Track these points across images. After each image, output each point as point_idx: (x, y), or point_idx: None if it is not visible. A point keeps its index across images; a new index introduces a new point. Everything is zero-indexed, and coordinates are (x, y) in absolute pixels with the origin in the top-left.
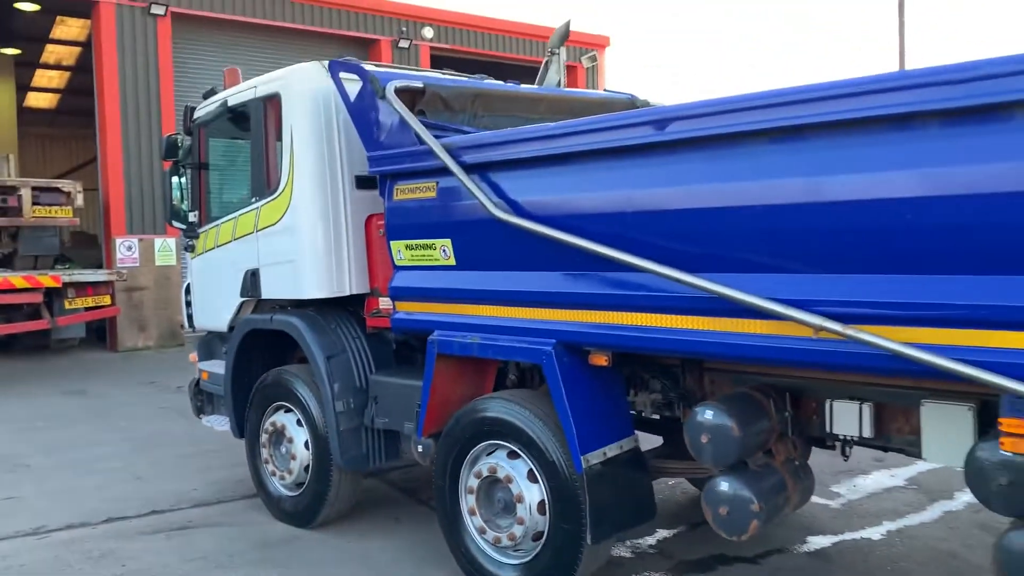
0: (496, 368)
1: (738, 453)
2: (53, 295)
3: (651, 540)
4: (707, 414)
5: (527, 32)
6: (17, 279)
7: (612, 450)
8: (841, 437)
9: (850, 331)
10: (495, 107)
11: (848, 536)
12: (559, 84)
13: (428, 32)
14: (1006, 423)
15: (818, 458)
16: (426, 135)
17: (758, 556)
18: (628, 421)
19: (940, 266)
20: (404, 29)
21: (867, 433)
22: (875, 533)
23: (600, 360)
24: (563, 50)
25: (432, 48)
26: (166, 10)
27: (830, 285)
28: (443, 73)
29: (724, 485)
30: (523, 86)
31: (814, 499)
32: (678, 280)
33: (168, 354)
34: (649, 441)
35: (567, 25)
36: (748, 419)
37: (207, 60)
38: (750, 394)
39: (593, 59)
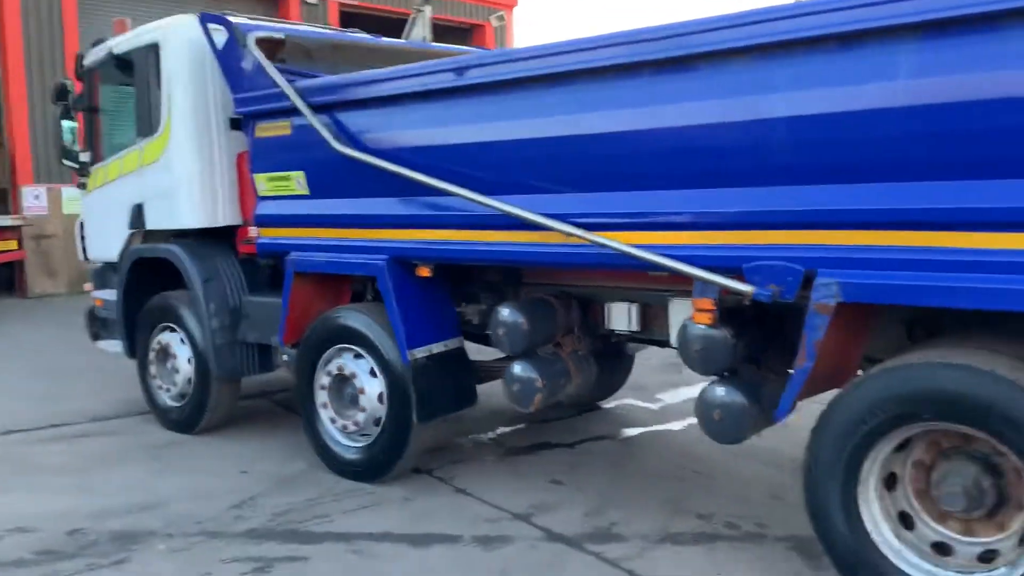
0: (350, 284)
1: (527, 343)
2: None
3: (491, 434)
4: (503, 312)
5: None
6: None
7: (437, 348)
8: (617, 332)
9: (590, 236)
10: (354, 58)
11: (655, 428)
12: (424, 39)
13: None
14: (696, 302)
15: (655, 377)
16: (279, 79)
17: (575, 443)
18: (454, 325)
19: (648, 183)
20: None
21: (635, 327)
22: (677, 426)
23: (424, 271)
24: (428, 8)
25: (343, 5)
26: None
27: (580, 201)
28: (313, 27)
29: (516, 368)
30: (384, 40)
31: (637, 403)
32: (475, 201)
33: (79, 299)
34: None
35: None
36: (537, 317)
37: (112, 9)
38: (544, 298)
39: (501, 19)
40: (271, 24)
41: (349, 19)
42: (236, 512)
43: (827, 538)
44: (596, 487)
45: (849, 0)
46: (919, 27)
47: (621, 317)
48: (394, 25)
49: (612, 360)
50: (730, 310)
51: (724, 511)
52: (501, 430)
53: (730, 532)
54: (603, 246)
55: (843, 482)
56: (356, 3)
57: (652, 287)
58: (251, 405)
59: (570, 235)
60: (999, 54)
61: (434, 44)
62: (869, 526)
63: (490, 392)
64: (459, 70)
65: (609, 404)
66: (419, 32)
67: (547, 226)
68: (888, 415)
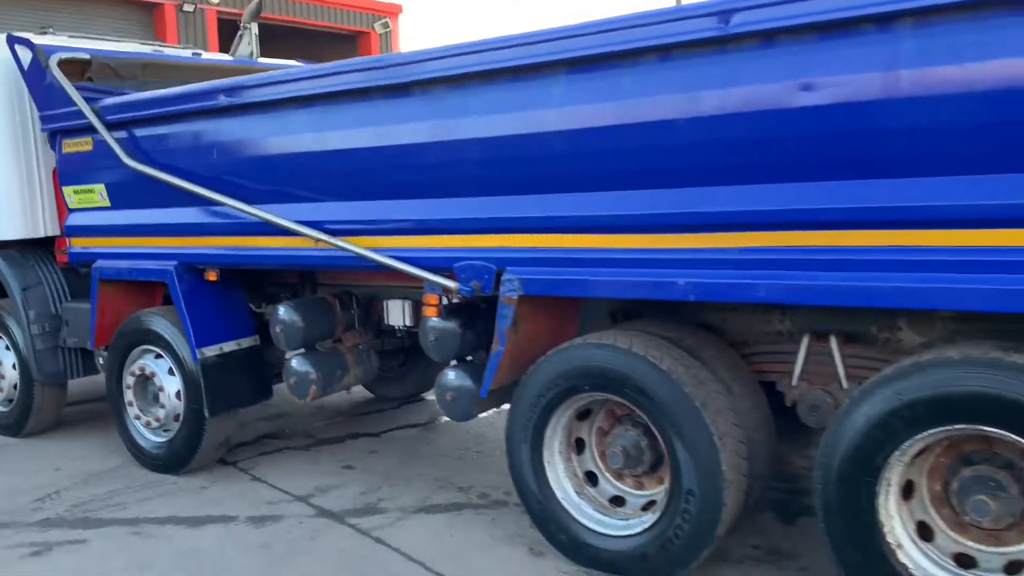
0: (161, 289)
1: (302, 340)
2: None
3: (307, 427)
4: (280, 311)
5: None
6: None
7: (229, 346)
8: (395, 327)
9: (333, 240)
10: (165, 76)
11: None
12: (251, 56)
13: None
14: (425, 298)
15: None
16: (76, 97)
17: (382, 432)
18: (248, 324)
19: (378, 194)
20: None
21: (409, 323)
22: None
23: (211, 275)
24: (254, 25)
25: (220, 13)
26: None
27: (328, 209)
28: (133, 45)
29: (292, 362)
30: (196, 57)
31: None
32: (240, 210)
33: None
34: None
35: (259, 3)
36: (312, 315)
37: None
38: (323, 298)
39: (386, 26)
40: (80, 46)
41: (227, 27)
42: (37, 505)
43: (523, 495)
44: (382, 469)
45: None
46: (567, 62)
47: (396, 313)
48: (272, 32)
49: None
50: (459, 305)
51: (482, 484)
52: (316, 424)
53: (479, 501)
54: (344, 249)
55: (531, 446)
56: (234, 12)
57: (419, 286)
58: (88, 408)
59: (317, 240)
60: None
61: (258, 60)
62: (554, 484)
63: None
64: (216, 92)
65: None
66: (245, 48)
67: (299, 232)
68: (559, 388)
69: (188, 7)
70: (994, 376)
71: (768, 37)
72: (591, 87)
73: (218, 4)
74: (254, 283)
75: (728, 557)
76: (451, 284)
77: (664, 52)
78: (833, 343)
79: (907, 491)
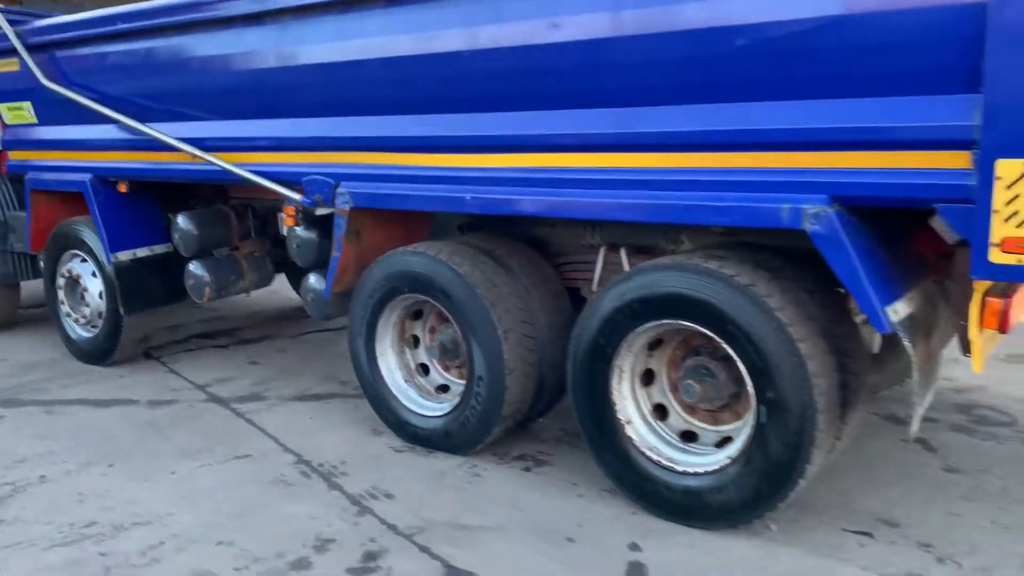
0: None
1: (198, 247)
2: None
3: (235, 329)
4: (178, 220)
5: None
6: None
7: (143, 252)
8: (284, 234)
9: (205, 155)
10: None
11: None
12: None
13: None
14: (285, 209)
15: None
16: (1, 20)
17: (300, 334)
18: (162, 233)
19: (242, 114)
20: None
21: None
22: None
23: (123, 187)
24: None
25: None
26: None
27: (208, 127)
28: None
29: (191, 266)
30: None
31: None
32: (133, 127)
33: None
34: None
35: None
36: (208, 225)
37: None
38: (220, 208)
39: None
40: None
41: None
42: None
43: (361, 382)
44: (280, 365)
45: None
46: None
47: (280, 224)
48: None
49: None
50: (321, 216)
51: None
52: (245, 326)
53: (351, 392)
54: (213, 164)
55: (366, 340)
56: None
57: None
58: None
59: (194, 155)
60: None
61: None
62: (385, 374)
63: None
64: (114, 19)
65: None
66: None
67: (180, 147)
68: (384, 289)
69: None
70: (686, 278)
71: None
72: (398, 20)
73: None
74: (174, 195)
75: (538, 437)
76: (297, 196)
77: None
78: (623, 253)
79: (648, 378)
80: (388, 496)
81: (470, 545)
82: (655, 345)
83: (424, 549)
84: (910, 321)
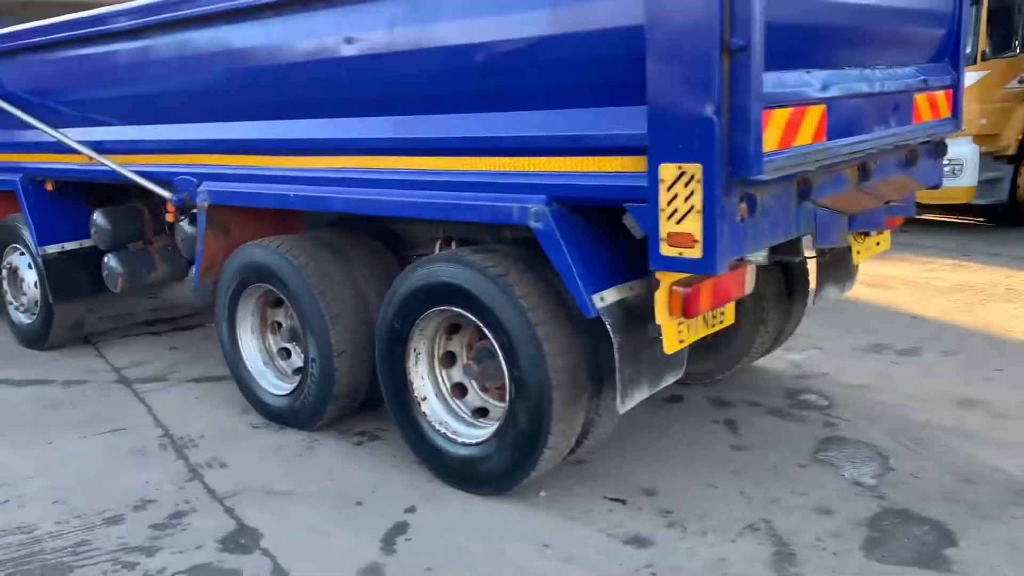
0: None
1: (113, 241)
2: None
3: (173, 319)
4: (94, 216)
5: None
6: None
7: (71, 245)
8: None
9: (98, 156)
10: (43, 12)
11: None
12: None
13: None
14: (167, 206)
15: None
16: None
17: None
18: (88, 229)
19: (128, 119)
20: None
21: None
22: None
23: (49, 185)
24: None
25: None
26: None
27: (105, 132)
28: None
29: (106, 259)
30: None
31: None
32: (47, 132)
33: None
34: None
35: None
36: (122, 221)
37: None
38: (134, 205)
39: None
40: None
41: None
42: None
43: (228, 364)
44: (196, 352)
45: None
46: (224, 14)
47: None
48: None
49: None
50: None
51: None
52: (186, 315)
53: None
54: (105, 166)
55: (228, 325)
56: None
57: None
58: None
59: (90, 157)
60: None
61: None
62: (246, 357)
63: None
64: (25, 35)
65: None
66: None
67: (80, 150)
68: (239, 279)
69: None
70: (453, 269)
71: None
72: (238, 35)
73: None
74: (103, 194)
75: (384, 416)
76: (167, 194)
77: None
78: (453, 246)
79: (451, 359)
80: (223, 465)
81: (271, 508)
82: (455, 330)
83: (228, 511)
84: (619, 307)
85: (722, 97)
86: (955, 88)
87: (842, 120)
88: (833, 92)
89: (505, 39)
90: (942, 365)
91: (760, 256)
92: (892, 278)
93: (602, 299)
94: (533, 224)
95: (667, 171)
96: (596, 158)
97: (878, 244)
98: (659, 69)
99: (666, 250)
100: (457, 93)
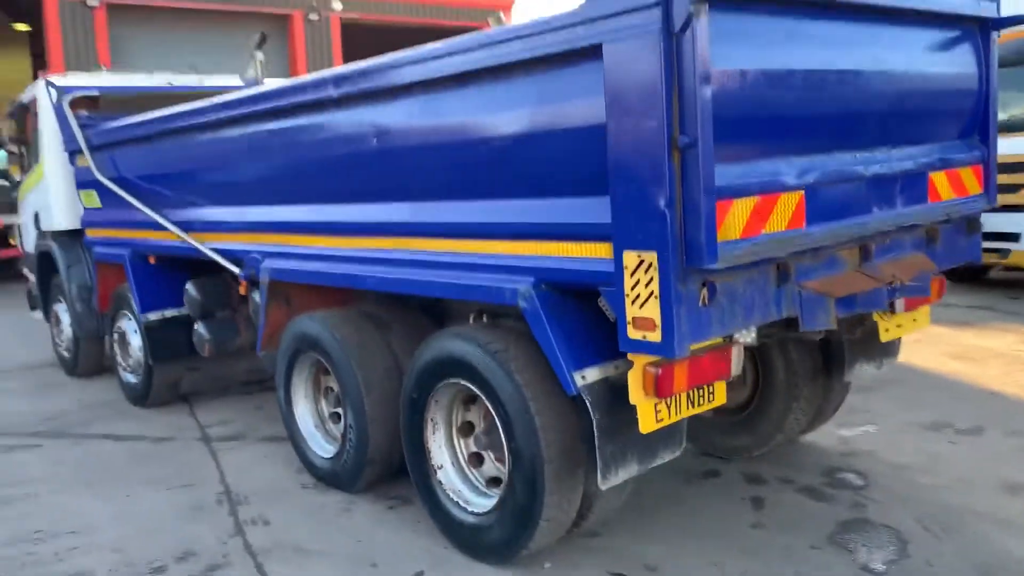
0: None
1: (201, 310)
2: None
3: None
4: (187, 287)
5: (429, 0)
6: None
7: (171, 312)
8: None
9: (183, 235)
10: (160, 103)
11: None
12: (256, 78)
13: (337, 4)
14: (241, 280)
15: None
16: (74, 126)
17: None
18: (172, 298)
19: (206, 203)
20: (315, 2)
21: None
22: None
23: (151, 259)
24: (260, 53)
25: (344, 18)
26: (100, 1)
27: (193, 214)
28: (171, 76)
29: (196, 326)
30: (185, 85)
31: None
32: (145, 212)
33: None
34: None
35: (263, 35)
36: (210, 291)
37: (141, 42)
38: (222, 277)
39: (499, 20)
40: (96, 85)
41: (350, 31)
42: (42, 420)
43: (285, 424)
44: (276, 411)
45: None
46: (283, 111)
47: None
48: (392, 34)
49: None
50: None
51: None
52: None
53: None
54: (188, 243)
55: (284, 390)
56: (356, 16)
57: None
58: None
59: (178, 235)
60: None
61: (231, 84)
62: (299, 420)
63: None
64: (132, 127)
65: None
66: (251, 73)
67: (170, 228)
68: (293, 348)
69: (313, 16)
70: (460, 344)
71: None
72: (289, 135)
73: (341, 12)
74: (201, 266)
75: None
76: (236, 270)
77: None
78: (484, 318)
79: (469, 429)
80: (266, 523)
81: (297, 565)
82: (474, 399)
83: (259, 566)
84: (602, 385)
85: (674, 190)
86: (986, 163)
87: (828, 205)
88: (814, 178)
89: (492, 136)
90: (1001, 447)
91: (749, 337)
92: (983, 349)
93: (583, 377)
94: (521, 304)
95: (629, 258)
96: (574, 244)
97: (915, 321)
98: (618, 163)
99: (632, 333)
100: (457, 183)
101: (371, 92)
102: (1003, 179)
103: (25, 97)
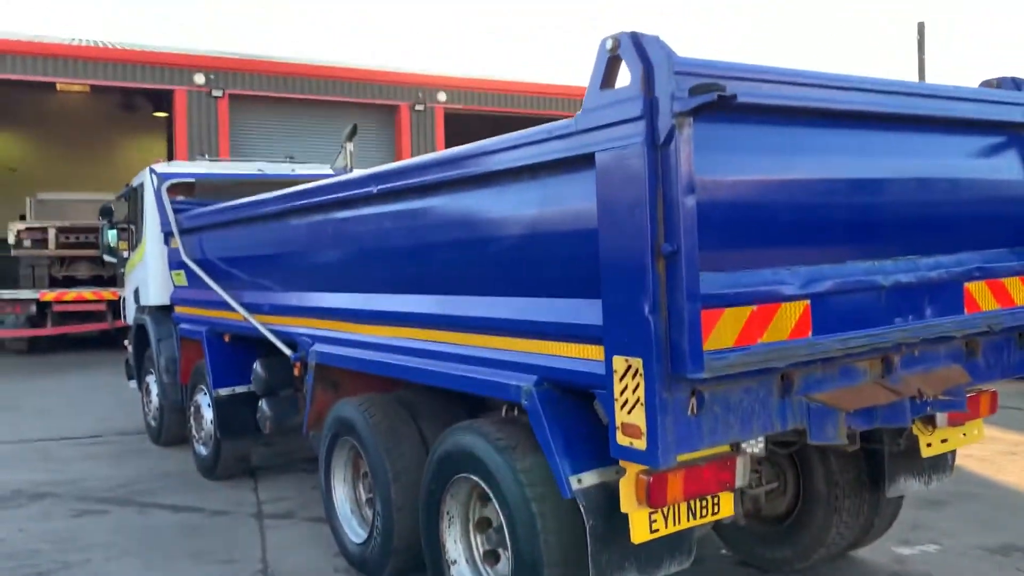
0: None
1: (267, 387)
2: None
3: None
4: (255, 365)
5: (528, 90)
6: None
7: (241, 389)
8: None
9: (247, 315)
10: (251, 190)
11: None
12: (346, 168)
13: (442, 96)
14: (294, 362)
15: None
16: (169, 210)
17: None
18: (242, 376)
19: (276, 288)
20: (421, 95)
21: None
22: None
23: (226, 337)
24: (350, 144)
25: (447, 109)
26: (224, 92)
27: (257, 296)
28: (235, 164)
29: (261, 403)
30: (277, 173)
31: None
32: (219, 293)
33: None
34: None
35: (354, 127)
36: (274, 370)
37: (257, 129)
38: (288, 359)
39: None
40: (195, 171)
41: (453, 121)
42: (113, 486)
43: (324, 504)
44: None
45: None
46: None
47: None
48: (495, 123)
49: None
50: None
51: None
52: None
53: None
54: (251, 323)
55: (325, 472)
56: (459, 107)
57: None
58: None
59: (243, 315)
60: None
61: (317, 172)
62: (336, 502)
63: None
64: (213, 212)
65: None
66: (340, 162)
67: (236, 308)
68: (332, 432)
69: (419, 107)
70: (472, 438)
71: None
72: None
73: (445, 102)
74: (271, 346)
75: None
76: (288, 351)
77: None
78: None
79: (484, 525)
80: None
81: None
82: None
83: None
84: (599, 490)
85: (658, 297)
86: None
87: (840, 315)
88: (824, 288)
89: (502, 236)
90: None
91: (757, 447)
92: None
93: (579, 480)
94: (523, 402)
95: (618, 363)
96: (573, 344)
97: (964, 436)
98: (607, 267)
99: (621, 439)
100: (469, 278)
101: (394, 191)
102: None
103: (135, 182)
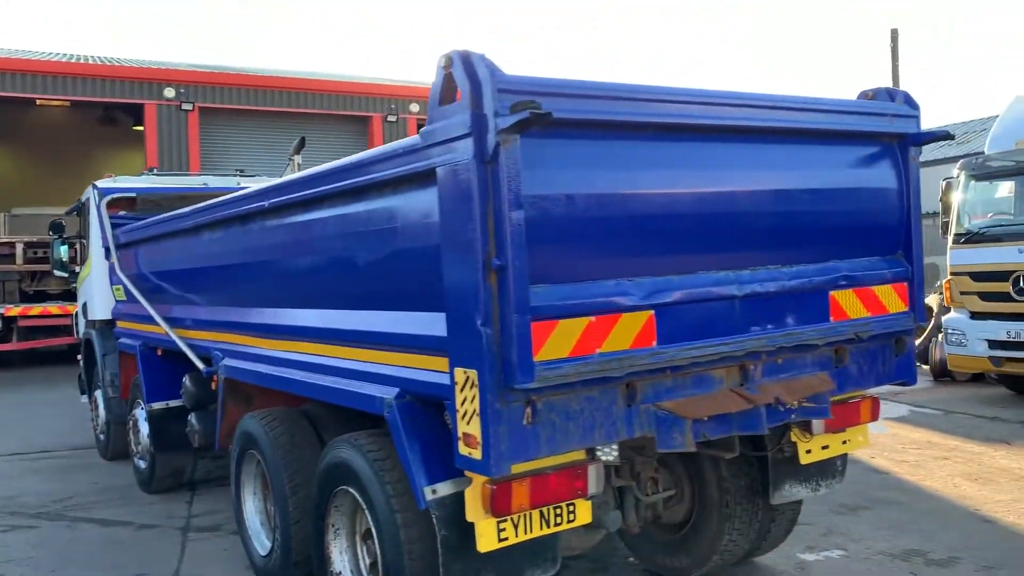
0: None
1: (194, 401)
2: None
3: None
4: (184, 380)
5: None
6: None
7: (174, 403)
8: None
9: (167, 328)
10: (194, 203)
11: None
12: None
13: (414, 107)
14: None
15: None
16: (106, 226)
17: None
18: (175, 390)
19: (184, 301)
20: (393, 107)
21: None
22: None
23: (159, 351)
24: (298, 156)
25: (418, 119)
26: (193, 106)
27: (179, 310)
28: (181, 178)
29: (190, 417)
30: (218, 186)
31: None
32: (144, 305)
33: None
34: None
35: (302, 140)
36: (202, 385)
37: (228, 142)
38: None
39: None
40: (136, 186)
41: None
42: (47, 503)
43: (235, 517)
44: None
45: None
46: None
47: None
48: None
49: None
50: None
51: None
52: None
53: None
54: (167, 335)
55: (235, 484)
56: None
57: None
58: None
59: (163, 329)
60: None
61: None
62: (247, 515)
63: None
64: (140, 227)
65: None
66: (289, 174)
67: (158, 322)
68: (239, 447)
69: (392, 118)
70: (346, 450)
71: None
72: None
73: (417, 113)
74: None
75: None
76: (201, 365)
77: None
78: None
79: (368, 536)
80: None
81: None
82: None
83: None
84: (454, 500)
85: (490, 310)
86: (910, 280)
87: (688, 324)
88: (669, 298)
89: (364, 251)
90: None
91: (611, 455)
92: (1004, 472)
93: (434, 491)
94: (385, 413)
95: (459, 374)
96: (426, 356)
97: (845, 443)
98: (448, 281)
99: (462, 448)
100: (339, 293)
101: (281, 206)
102: None
103: (83, 197)
